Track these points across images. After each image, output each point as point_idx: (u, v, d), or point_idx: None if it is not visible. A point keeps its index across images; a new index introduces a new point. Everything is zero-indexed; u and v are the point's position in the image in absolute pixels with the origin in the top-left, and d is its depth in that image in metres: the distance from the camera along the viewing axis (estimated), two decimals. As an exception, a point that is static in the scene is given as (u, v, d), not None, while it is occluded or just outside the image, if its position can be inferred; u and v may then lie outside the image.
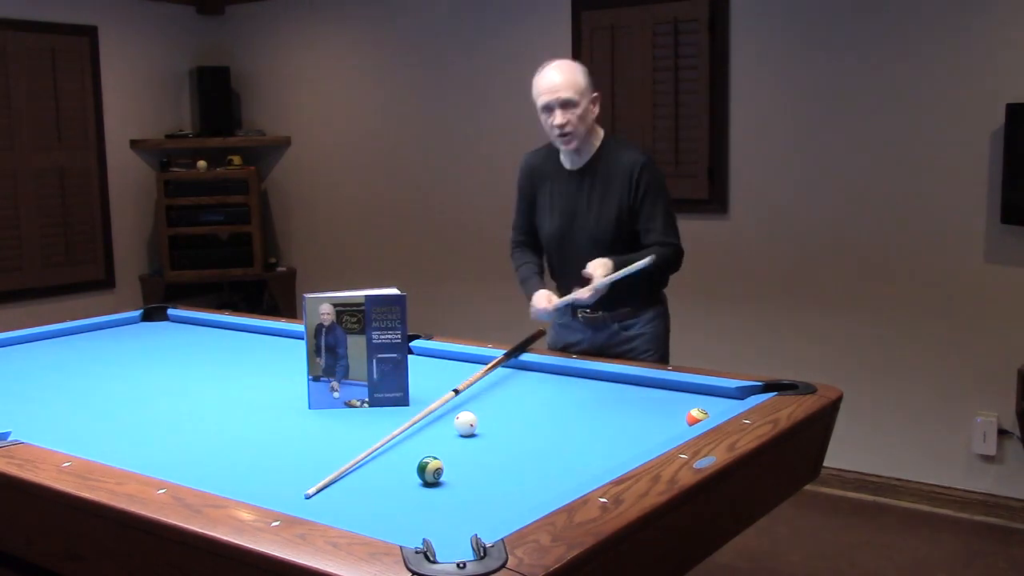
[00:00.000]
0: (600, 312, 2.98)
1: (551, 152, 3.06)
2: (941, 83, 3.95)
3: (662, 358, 3.06)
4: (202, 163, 5.83)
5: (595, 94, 2.91)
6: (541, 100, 2.87)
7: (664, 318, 3.09)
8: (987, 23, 3.84)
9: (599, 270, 2.74)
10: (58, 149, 5.47)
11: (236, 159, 5.96)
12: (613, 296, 2.82)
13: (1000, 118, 3.79)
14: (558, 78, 2.84)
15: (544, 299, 2.90)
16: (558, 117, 2.83)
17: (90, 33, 5.57)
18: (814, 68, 4.23)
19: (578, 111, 2.84)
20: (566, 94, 2.82)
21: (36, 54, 5.34)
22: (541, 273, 3.10)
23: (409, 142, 5.50)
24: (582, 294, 2.74)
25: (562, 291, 3.01)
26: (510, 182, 5.14)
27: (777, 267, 4.41)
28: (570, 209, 2.98)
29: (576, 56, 4.62)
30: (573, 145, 2.90)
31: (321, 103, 5.85)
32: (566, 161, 3.01)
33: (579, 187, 2.97)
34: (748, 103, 4.40)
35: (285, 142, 6.01)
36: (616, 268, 2.75)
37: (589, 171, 2.96)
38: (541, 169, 3.08)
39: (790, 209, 4.35)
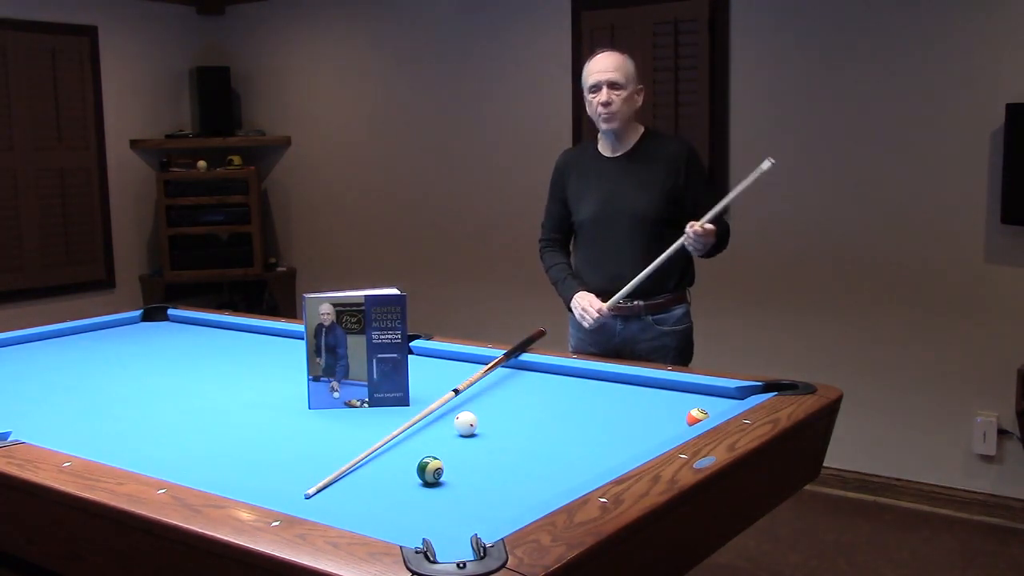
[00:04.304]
0: (636, 301, 3.01)
1: (587, 145, 3.19)
2: (941, 83, 3.95)
3: (689, 358, 3.10)
4: (202, 163, 5.84)
5: (640, 86, 3.05)
6: (591, 79, 3.00)
7: (690, 319, 3.13)
8: (987, 23, 3.84)
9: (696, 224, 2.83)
10: (58, 149, 5.47)
11: (236, 159, 5.96)
12: (651, 281, 2.94)
13: (1000, 118, 3.79)
14: (610, 62, 3.01)
15: (595, 302, 2.98)
16: (603, 95, 2.96)
17: (90, 33, 5.57)
18: (814, 68, 4.23)
19: (624, 94, 2.98)
20: (614, 76, 2.98)
21: (36, 54, 5.34)
22: (575, 274, 3.14)
23: (409, 142, 5.50)
24: (692, 231, 2.81)
25: (594, 285, 3.04)
26: (510, 181, 5.18)
27: (777, 267, 4.41)
28: (610, 192, 3.04)
29: (576, 56, 4.63)
30: (615, 124, 2.99)
31: (321, 103, 5.85)
32: (606, 149, 3.10)
33: (620, 171, 3.05)
34: (748, 103, 4.40)
35: (285, 142, 6.01)
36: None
37: (631, 157, 3.06)
38: (578, 161, 3.17)
39: (790, 209, 4.35)
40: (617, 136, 3.04)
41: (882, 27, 4.05)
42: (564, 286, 3.12)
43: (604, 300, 3.03)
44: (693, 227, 2.81)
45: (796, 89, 4.29)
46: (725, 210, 2.86)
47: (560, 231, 3.23)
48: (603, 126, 3.02)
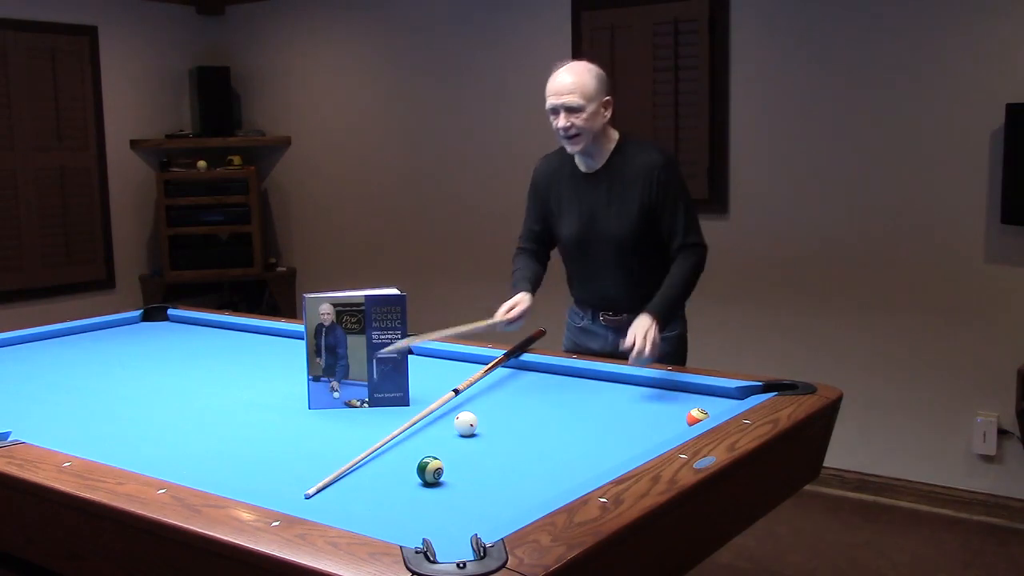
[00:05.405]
0: (623, 315, 2.96)
1: (566, 156, 2.99)
2: (941, 83, 3.95)
3: (681, 364, 3.05)
4: (202, 163, 5.83)
5: (607, 98, 2.85)
6: (548, 102, 2.85)
7: (683, 322, 3.08)
8: (987, 23, 3.84)
9: (640, 329, 2.66)
10: (58, 149, 5.47)
11: (236, 159, 5.96)
12: (638, 297, 2.86)
13: (1000, 118, 3.79)
14: (567, 81, 2.81)
15: (506, 306, 2.89)
16: (562, 120, 2.82)
17: (90, 33, 5.57)
18: (814, 68, 4.23)
19: (583, 115, 2.80)
20: (571, 99, 2.79)
21: (36, 54, 5.34)
22: (533, 280, 3.03)
23: (409, 142, 5.50)
24: (639, 352, 2.63)
25: (583, 299, 3.03)
26: (510, 182, 5.18)
27: (777, 267, 4.41)
28: (588, 212, 2.94)
29: (576, 56, 4.62)
30: (578, 147, 2.87)
31: (321, 103, 5.85)
32: (581, 164, 2.97)
33: (596, 189, 2.93)
34: (748, 103, 4.40)
35: (285, 142, 6.01)
36: (660, 312, 2.74)
37: (605, 173, 2.92)
38: (555, 173, 3.04)
39: (790, 209, 4.35)
40: (589, 153, 2.92)
41: (882, 27, 4.05)
42: (513, 290, 3.01)
43: (595, 313, 3.04)
44: (633, 354, 2.63)
45: (796, 89, 4.28)
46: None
47: (534, 242, 3.12)
48: (567, 148, 2.90)
